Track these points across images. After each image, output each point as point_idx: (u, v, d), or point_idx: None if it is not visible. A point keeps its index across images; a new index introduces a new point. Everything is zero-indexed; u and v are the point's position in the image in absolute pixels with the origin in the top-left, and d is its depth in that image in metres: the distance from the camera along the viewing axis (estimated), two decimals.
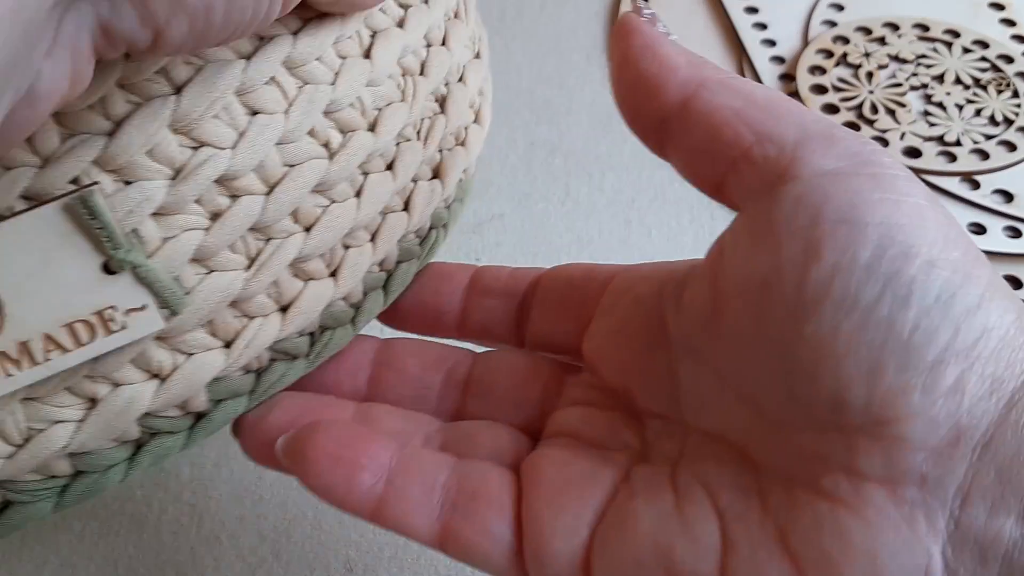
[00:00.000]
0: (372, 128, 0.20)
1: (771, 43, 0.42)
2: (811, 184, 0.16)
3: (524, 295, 0.23)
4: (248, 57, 0.18)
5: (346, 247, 0.20)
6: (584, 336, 0.22)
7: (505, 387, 0.23)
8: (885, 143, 0.37)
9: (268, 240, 0.19)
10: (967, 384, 0.15)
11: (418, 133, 0.22)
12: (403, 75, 0.21)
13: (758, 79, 0.41)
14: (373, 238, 0.21)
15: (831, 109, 0.39)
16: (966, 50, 0.41)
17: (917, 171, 0.36)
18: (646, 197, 0.37)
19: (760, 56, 0.42)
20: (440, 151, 0.23)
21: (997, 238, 0.35)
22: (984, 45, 0.41)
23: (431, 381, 0.23)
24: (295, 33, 0.18)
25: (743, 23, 0.43)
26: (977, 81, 0.40)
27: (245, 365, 0.19)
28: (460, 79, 0.23)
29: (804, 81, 0.40)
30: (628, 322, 0.21)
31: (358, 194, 0.20)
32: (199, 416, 0.20)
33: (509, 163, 0.38)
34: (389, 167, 0.21)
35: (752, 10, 0.44)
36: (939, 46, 0.41)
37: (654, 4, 0.45)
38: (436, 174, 0.23)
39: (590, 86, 0.41)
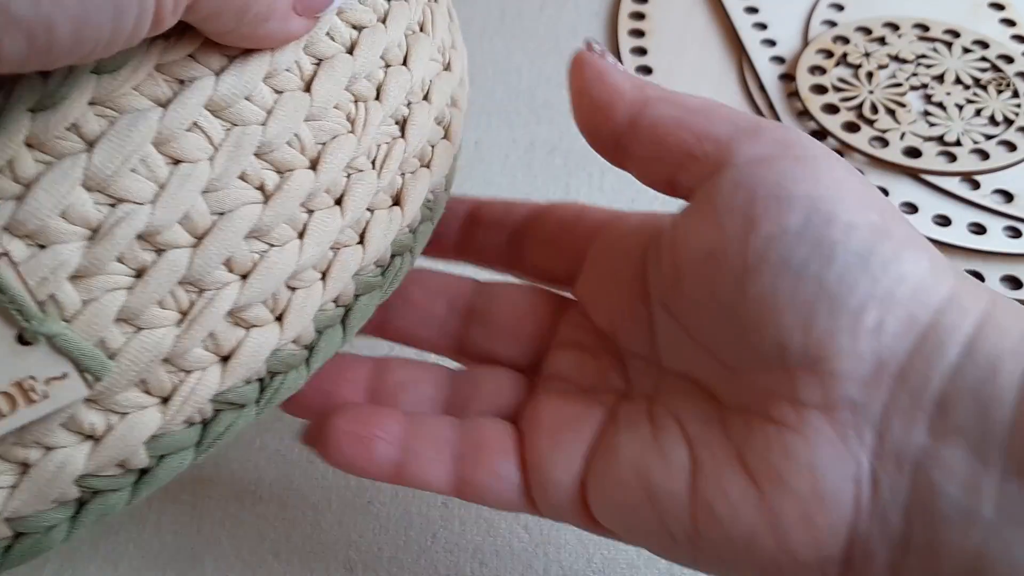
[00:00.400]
0: (314, 165, 0.19)
1: (771, 43, 0.42)
2: (744, 169, 0.19)
3: (515, 228, 0.26)
4: (166, 104, 0.16)
5: (292, 289, 0.19)
6: (576, 274, 0.25)
7: (504, 320, 0.25)
8: (885, 143, 0.37)
9: (200, 292, 0.17)
10: (886, 324, 0.18)
11: (373, 162, 0.20)
12: (355, 102, 0.19)
13: (758, 79, 0.41)
14: (324, 276, 0.19)
15: (831, 109, 0.39)
16: (966, 50, 0.41)
17: (917, 171, 0.36)
18: (646, 197, 0.37)
19: (760, 56, 0.42)
20: (402, 174, 0.21)
21: (997, 238, 0.35)
22: (984, 45, 0.41)
23: (435, 309, 0.26)
24: (219, 72, 0.17)
25: (743, 23, 0.43)
26: (977, 81, 0.40)
27: (187, 419, 0.18)
28: (425, 97, 0.22)
29: (804, 81, 0.40)
30: (616, 273, 0.24)
31: (301, 235, 0.19)
32: (143, 472, 0.19)
33: (509, 163, 0.38)
34: (338, 202, 0.19)
35: (752, 10, 0.44)
36: (939, 46, 0.41)
37: (655, 4, 0.45)
38: (396, 201, 0.21)
39: None
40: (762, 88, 0.40)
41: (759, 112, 0.40)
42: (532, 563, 0.27)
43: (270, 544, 0.28)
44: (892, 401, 0.18)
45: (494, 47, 0.43)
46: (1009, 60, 0.40)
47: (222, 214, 0.17)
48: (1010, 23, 0.43)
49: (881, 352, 0.18)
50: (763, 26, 0.43)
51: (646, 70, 0.42)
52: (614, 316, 0.24)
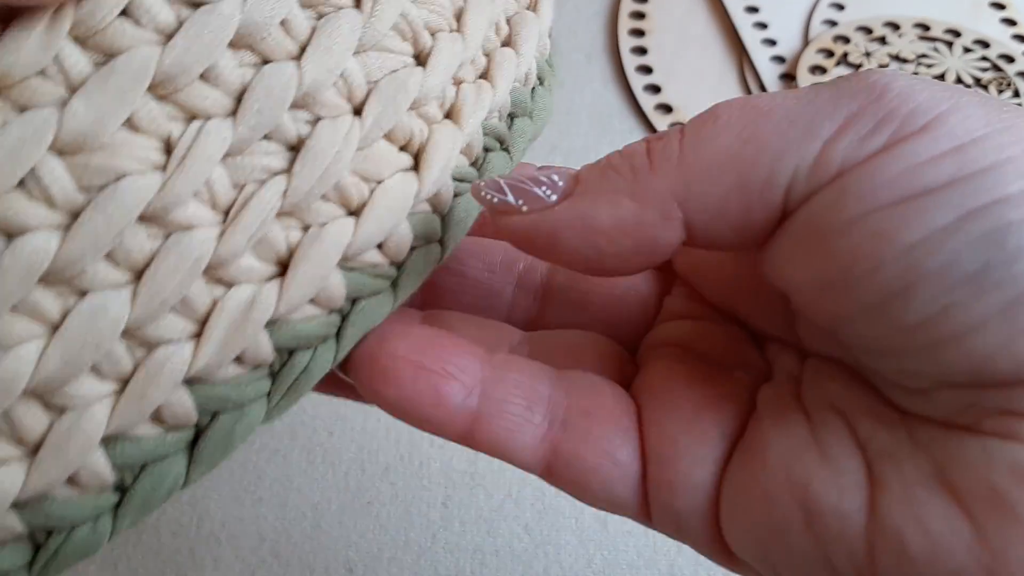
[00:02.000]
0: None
1: (771, 43, 0.42)
2: (848, 178, 0.13)
3: None
4: None
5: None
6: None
7: (592, 298, 0.19)
8: None
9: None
10: None
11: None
12: None
13: (758, 79, 0.41)
14: (283, 274, 0.14)
15: None
16: (967, 50, 0.41)
17: None
18: None
19: (760, 56, 0.42)
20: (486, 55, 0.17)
21: None
22: (985, 45, 0.41)
23: (499, 287, 0.19)
24: None
25: (743, 23, 0.43)
26: (978, 81, 0.40)
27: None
28: None
29: (804, 81, 0.40)
30: None
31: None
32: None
33: None
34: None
35: (752, 9, 0.44)
36: (940, 46, 0.41)
37: (655, 4, 0.45)
38: (414, 159, 0.16)
39: (590, 86, 0.41)
40: (762, 88, 0.40)
41: None
42: (532, 564, 0.27)
43: (270, 544, 0.28)
44: None
45: None
46: (1010, 60, 0.40)
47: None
48: (1011, 23, 0.43)
49: None
50: (763, 25, 0.43)
51: (646, 70, 0.42)
52: (730, 292, 0.18)
